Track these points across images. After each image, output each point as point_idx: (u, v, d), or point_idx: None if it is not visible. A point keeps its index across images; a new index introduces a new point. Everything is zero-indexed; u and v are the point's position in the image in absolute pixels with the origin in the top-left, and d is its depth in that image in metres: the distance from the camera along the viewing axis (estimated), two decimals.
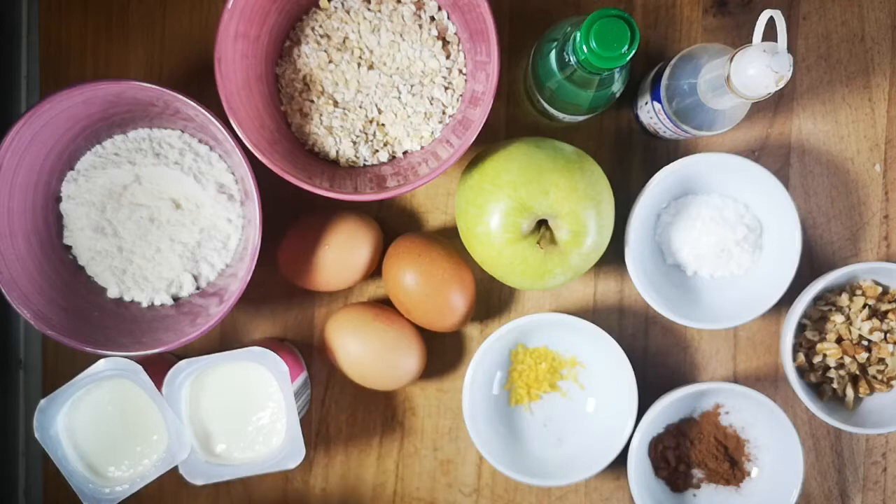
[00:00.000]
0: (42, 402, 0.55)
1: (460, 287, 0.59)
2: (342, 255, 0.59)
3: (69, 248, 0.59)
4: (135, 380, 0.56)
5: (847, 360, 0.61)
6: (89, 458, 0.58)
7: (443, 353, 0.64)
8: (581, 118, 0.58)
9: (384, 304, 0.63)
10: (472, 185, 0.55)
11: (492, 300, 0.64)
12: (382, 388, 0.61)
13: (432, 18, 0.57)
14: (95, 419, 0.58)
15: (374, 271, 0.62)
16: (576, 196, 0.53)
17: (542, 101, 0.55)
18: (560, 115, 0.56)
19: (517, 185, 0.53)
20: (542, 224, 0.55)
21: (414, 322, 0.61)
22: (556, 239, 0.54)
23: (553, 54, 0.50)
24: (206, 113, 0.52)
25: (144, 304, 0.59)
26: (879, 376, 0.61)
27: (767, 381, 0.64)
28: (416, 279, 0.58)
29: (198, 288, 0.59)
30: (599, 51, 0.43)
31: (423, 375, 0.63)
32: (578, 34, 0.45)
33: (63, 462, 0.56)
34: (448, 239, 0.61)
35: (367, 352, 0.59)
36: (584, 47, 0.44)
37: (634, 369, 0.60)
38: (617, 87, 0.52)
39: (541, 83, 0.53)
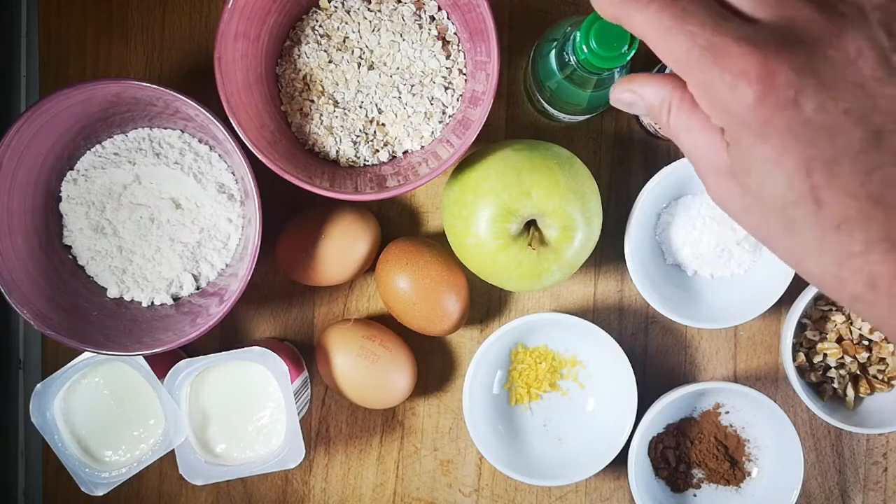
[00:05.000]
0: (38, 385, 0.56)
1: (453, 291, 0.59)
2: (340, 248, 0.59)
3: (69, 248, 0.59)
4: (132, 364, 0.56)
5: (847, 359, 0.61)
6: (86, 442, 0.58)
7: (443, 353, 0.64)
8: (581, 118, 0.58)
9: (378, 319, 0.64)
10: (454, 198, 0.55)
11: (491, 300, 0.64)
12: (373, 407, 0.61)
13: (432, 18, 0.57)
14: (92, 403, 0.58)
15: (373, 265, 0.62)
16: (558, 192, 0.53)
17: (541, 100, 0.55)
18: (559, 115, 0.56)
19: (498, 190, 0.53)
20: (530, 225, 0.55)
21: (408, 327, 0.61)
22: (547, 238, 0.54)
23: (553, 54, 0.50)
24: (206, 113, 0.52)
25: (144, 304, 0.59)
26: (880, 376, 0.61)
27: (768, 381, 0.64)
28: (408, 284, 0.58)
29: (198, 288, 0.59)
30: (599, 50, 0.43)
31: (423, 375, 0.63)
32: (578, 34, 0.45)
33: (59, 446, 0.56)
34: (442, 242, 0.61)
35: (358, 374, 0.59)
36: (584, 47, 0.44)
37: (634, 369, 0.60)
38: (608, 87, 0.52)
39: (540, 83, 0.53)
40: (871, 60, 0.29)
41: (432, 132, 0.58)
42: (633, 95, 0.35)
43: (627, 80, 0.35)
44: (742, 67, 0.29)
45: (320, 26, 0.57)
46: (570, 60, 0.47)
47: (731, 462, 0.63)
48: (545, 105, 0.55)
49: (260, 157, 0.52)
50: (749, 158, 0.30)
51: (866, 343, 0.61)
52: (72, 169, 0.59)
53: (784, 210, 0.29)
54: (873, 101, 0.29)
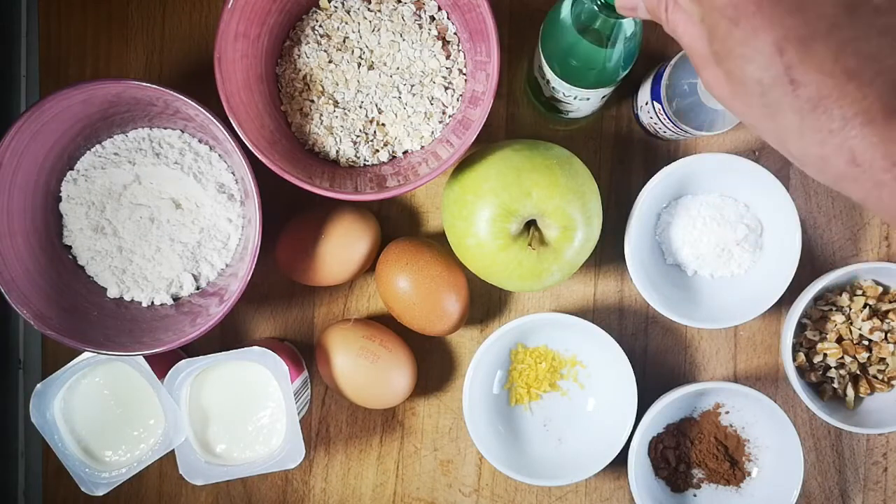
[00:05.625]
0: (38, 385, 0.56)
1: (453, 291, 0.59)
2: (340, 248, 0.59)
3: (69, 248, 0.59)
4: (132, 364, 0.56)
5: (847, 359, 0.61)
6: (86, 442, 0.58)
7: (443, 353, 0.64)
8: (590, 99, 0.55)
9: (378, 319, 0.64)
10: (455, 199, 0.55)
11: (491, 300, 0.64)
12: (373, 407, 0.61)
13: (432, 18, 0.57)
14: (92, 403, 0.58)
15: (373, 265, 0.62)
16: (558, 192, 0.53)
17: (551, 80, 0.53)
18: (569, 100, 0.54)
19: (498, 190, 0.53)
20: (530, 225, 0.55)
21: (408, 327, 0.61)
22: (547, 238, 0.54)
23: (567, 5, 0.48)
24: (206, 113, 0.52)
25: (144, 304, 0.59)
26: (880, 376, 0.61)
27: (768, 381, 0.64)
28: (408, 284, 0.58)
29: (198, 288, 0.59)
30: None
31: (423, 375, 0.63)
32: None
33: (59, 446, 0.56)
34: (442, 242, 0.61)
35: (358, 374, 0.59)
36: None
37: (634, 369, 0.60)
38: (624, 45, 0.49)
39: (551, 55, 0.51)
40: None
41: (432, 132, 0.58)
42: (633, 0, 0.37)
43: None
44: None
45: (320, 26, 0.57)
46: (584, 8, 0.46)
47: (731, 462, 0.63)
48: (555, 84, 0.53)
49: (260, 157, 0.52)
50: (726, 44, 0.30)
51: (866, 343, 0.61)
52: (72, 169, 0.59)
53: (763, 94, 0.30)
54: None
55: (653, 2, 0.35)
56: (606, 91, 0.54)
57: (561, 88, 0.53)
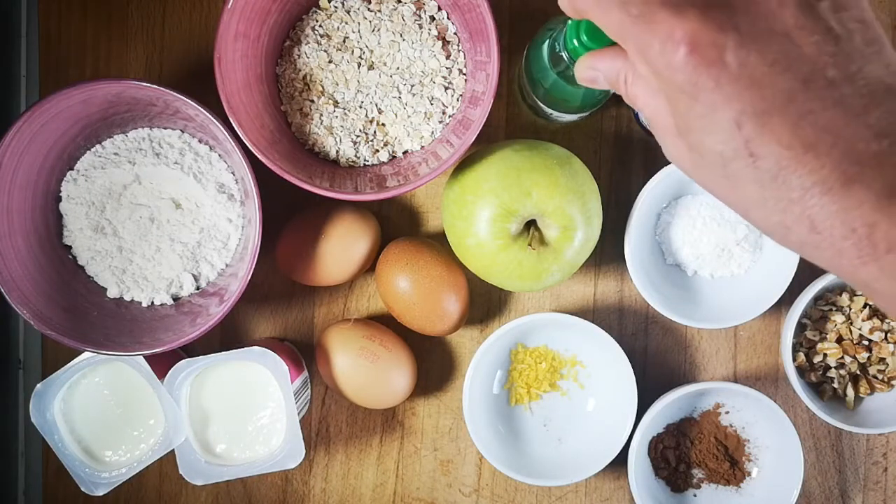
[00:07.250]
0: (38, 385, 0.56)
1: (453, 291, 0.59)
2: (340, 248, 0.59)
3: (69, 247, 0.59)
4: (132, 364, 0.56)
5: (847, 359, 0.61)
6: (86, 442, 0.58)
7: (443, 353, 0.64)
8: (574, 117, 0.57)
9: (378, 319, 0.64)
10: (454, 198, 0.55)
11: (491, 300, 0.64)
12: (373, 407, 0.61)
13: (432, 18, 0.57)
14: (92, 403, 0.58)
15: (373, 265, 0.62)
16: (558, 192, 0.53)
17: (535, 98, 0.55)
18: (553, 114, 0.56)
19: (498, 191, 0.53)
20: (530, 225, 0.55)
21: (408, 327, 0.61)
22: (547, 238, 0.54)
23: (546, 50, 0.49)
24: (206, 112, 0.52)
25: (144, 304, 0.59)
26: (880, 376, 0.61)
27: (768, 381, 0.64)
28: (408, 284, 0.58)
29: (198, 288, 0.59)
30: (589, 43, 0.43)
31: (423, 375, 0.63)
32: (568, 28, 0.44)
33: (59, 446, 0.56)
34: (442, 242, 0.61)
35: (358, 374, 0.59)
36: (575, 40, 0.43)
37: (634, 369, 0.60)
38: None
39: (535, 81, 0.53)
40: (793, 8, 0.30)
41: (432, 132, 0.58)
42: (593, 72, 0.37)
43: (587, 56, 0.37)
44: (668, 31, 0.30)
45: (320, 26, 0.57)
46: (562, 55, 0.47)
47: (731, 462, 0.63)
48: (539, 103, 0.55)
49: (260, 157, 0.52)
50: (687, 118, 0.31)
51: (866, 343, 0.61)
52: (72, 169, 0.59)
53: (725, 166, 0.30)
54: (799, 50, 0.29)
55: (612, 75, 0.35)
56: (588, 114, 0.55)
57: (545, 108, 0.55)
